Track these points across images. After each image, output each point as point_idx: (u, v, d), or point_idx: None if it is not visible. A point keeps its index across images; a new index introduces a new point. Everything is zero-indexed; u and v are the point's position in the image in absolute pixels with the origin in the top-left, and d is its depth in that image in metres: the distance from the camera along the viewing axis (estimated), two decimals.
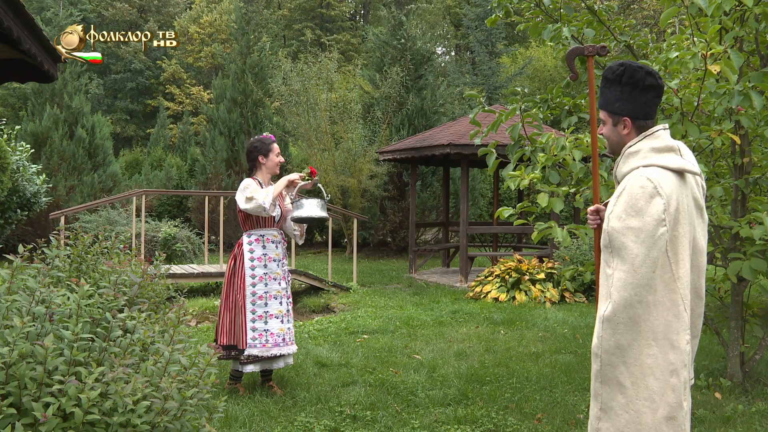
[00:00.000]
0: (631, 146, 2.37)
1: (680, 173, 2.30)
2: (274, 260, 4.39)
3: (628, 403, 2.23)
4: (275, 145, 4.44)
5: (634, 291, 2.18)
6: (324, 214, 4.07)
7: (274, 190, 4.21)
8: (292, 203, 4.24)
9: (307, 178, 4.36)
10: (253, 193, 4.17)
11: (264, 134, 4.47)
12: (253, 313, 4.29)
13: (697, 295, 2.37)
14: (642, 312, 2.20)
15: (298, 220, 4.26)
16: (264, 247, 4.37)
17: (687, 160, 2.35)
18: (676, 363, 2.21)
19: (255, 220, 4.37)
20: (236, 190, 4.84)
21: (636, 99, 2.36)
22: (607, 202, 2.41)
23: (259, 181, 4.36)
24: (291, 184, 4.32)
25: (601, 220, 2.51)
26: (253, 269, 4.33)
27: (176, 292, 4.47)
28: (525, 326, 6.73)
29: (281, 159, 4.44)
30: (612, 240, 2.24)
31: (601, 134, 2.50)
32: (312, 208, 4.00)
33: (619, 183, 2.38)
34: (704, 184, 2.43)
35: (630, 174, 2.31)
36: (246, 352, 4.26)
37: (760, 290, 4.30)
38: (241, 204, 4.20)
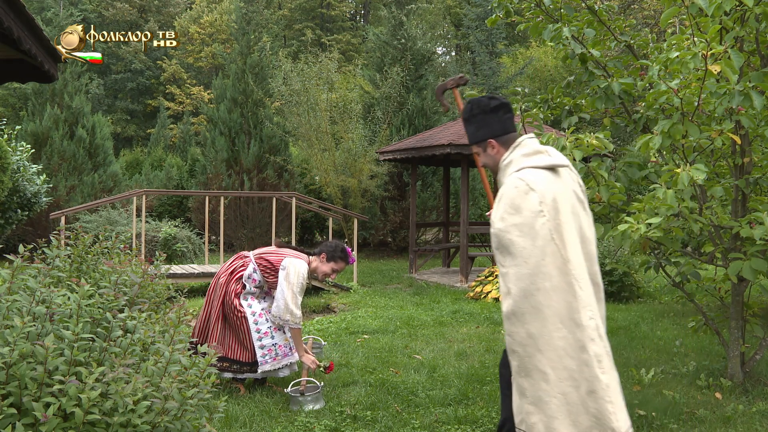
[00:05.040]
0: (504, 159, 2.60)
1: (552, 169, 2.50)
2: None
3: (553, 388, 2.34)
4: (343, 266, 4.50)
5: (529, 280, 2.33)
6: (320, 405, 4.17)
7: (299, 344, 4.33)
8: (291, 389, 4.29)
9: (321, 370, 4.52)
10: (298, 306, 4.26)
11: (352, 256, 4.55)
12: (258, 332, 4.36)
13: (593, 281, 2.50)
14: (542, 299, 2.33)
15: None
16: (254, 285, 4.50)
17: (555, 158, 2.55)
18: (583, 339, 2.34)
19: (272, 276, 4.41)
20: (236, 189, 4.91)
21: (490, 121, 2.64)
22: None
23: (310, 268, 4.44)
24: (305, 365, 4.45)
25: None
26: (245, 288, 4.45)
27: (176, 292, 4.47)
28: None
29: (334, 276, 4.57)
30: (500, 240, 2.40)
31: (483, 165, 2.73)
32: (308, 406, 4.09)
33: None
34: (581, 182, 2.64)
35: (505, 181, 2.51)
36: (260, 370, 4.32)
37: (761, 290, 4.30)
38: (290, 295, 4.25)
